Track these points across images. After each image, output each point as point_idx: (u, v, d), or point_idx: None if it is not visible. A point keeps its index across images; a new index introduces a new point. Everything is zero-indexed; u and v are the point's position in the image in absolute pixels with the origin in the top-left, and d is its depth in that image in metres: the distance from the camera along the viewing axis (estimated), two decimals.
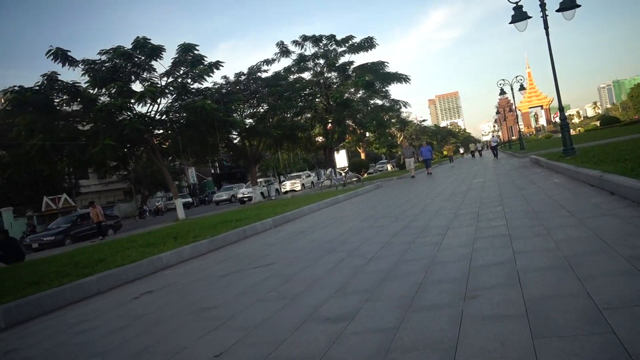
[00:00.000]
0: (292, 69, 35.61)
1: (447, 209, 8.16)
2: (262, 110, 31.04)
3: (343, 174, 30.60)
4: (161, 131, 23.97)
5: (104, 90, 20.70)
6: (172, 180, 24.56)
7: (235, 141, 30.80)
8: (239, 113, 29.68)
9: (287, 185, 47.78)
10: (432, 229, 6.30)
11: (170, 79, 21.79)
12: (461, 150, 62.95)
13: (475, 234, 5.32)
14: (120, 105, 19.39)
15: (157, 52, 21.51)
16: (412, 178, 22.18)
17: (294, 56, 35.24)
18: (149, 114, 22.44)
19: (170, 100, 22.86)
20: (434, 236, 5.72)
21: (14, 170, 22.72)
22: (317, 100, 36.61)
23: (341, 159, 60.84)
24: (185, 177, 72.07)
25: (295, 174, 51.84)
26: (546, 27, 13.51)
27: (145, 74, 22.07)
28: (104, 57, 20.72)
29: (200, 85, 22.47)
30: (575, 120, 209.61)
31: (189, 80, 21.91)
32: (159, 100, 22.44)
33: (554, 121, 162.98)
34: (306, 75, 36.25)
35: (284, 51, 35.10)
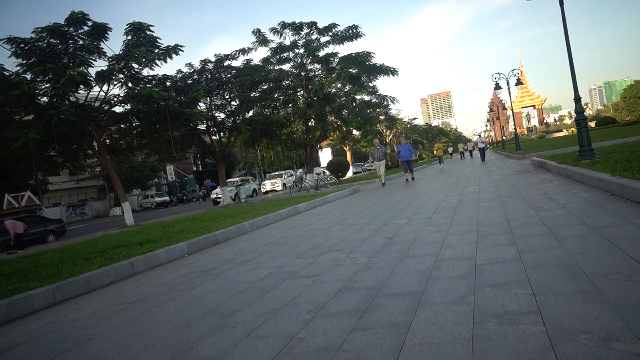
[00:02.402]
0: (271, 60, 32.65)
1: (424, 243, 5.25)
2: (234, 102, 28.04)
3: (316, 176, 27.72)
4: (109, 124, 20.82)
5: (41, 78, 17.61)
6: (119, 181, 21.47)
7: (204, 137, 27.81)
8: (207, 105, 26.65)
9: (268, 185, 44.97)
10: (387, 302, 3.36)
11: (119, 65, 18.67)
12: (450, 150, 60.10)
13: (473, 345, 2.38)
14: (45, 92, 16.35)
15: (100, 31, 18.42)
16: (382, 186, 17.72)
17: (273, 45, 32.29)
18: (90, 103, 19.35)
19: (116, 89, 19.77)
20: (385, 330, 2.77)
21: None
22: (298, 94, 33.74)
23: (326, 157, 57.96)
24: (164, 174, 68.77)
25: (276, 173, 48.87)
26: (563, 18, 10.68)
27: (92, 57, 19.00)
28: (35, 36, 17.61)
29: (152, 72, 19.32)
30: (567, 120, 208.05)
31: (136, 65, 18.80)
32: (105, 88, 19.37)
33: (545, 122, 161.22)
34: (287, 68, 33.36)
35: (262, 40, 32.15)
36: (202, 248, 7.96)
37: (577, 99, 11.16)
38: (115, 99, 19.08)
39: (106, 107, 19.30)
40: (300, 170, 34.20)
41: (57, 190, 57.85)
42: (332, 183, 22.25)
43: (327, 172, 32.21)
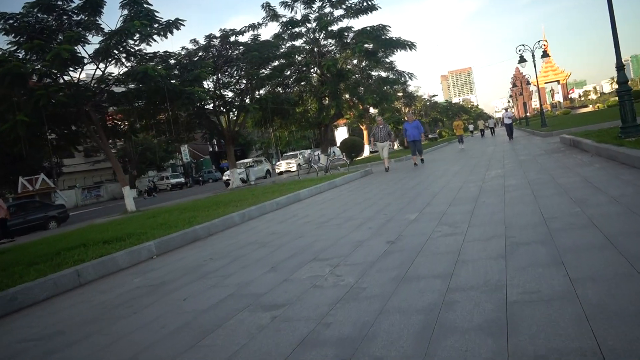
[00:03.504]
0: (282, 36, 31.14)
1: (434, 253, 3.96)
2: (243, 81, 26.71)
3: (325, 157, 26.35)
4: (107, 105, 19.70)
5: (31, 56, 16.51)
6: (119, 165, 20.49)
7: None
8: (214, 83, 25.39)
9: (282, 166, 43.77)
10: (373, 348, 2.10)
11: (112, 41, 17.43)
12: (470, 128, 57.75)
13: None
14: (36, 71, 15.25)
15: (93, 4, 17.19)
16: (386, 171, 15.24)
17: (284, 19, 30.74)
18: (85, 83, 18.22)
19: (115, 67, 18.60)
20: None
21: None
22: (311, 70, 32.29)
23: (342, 137, 56.36)
24: (179, 155, 68.05)
25: (291, 154, 47.61)
26: None
27: (89, 34, 17.84)
28: (24, 11, 16.46)
29: (151, 49, 17.97)
30: (592, 96, 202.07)
31: (132, 41, 17.53)
32: (102, 67, 18.20)
33: (570, 97, 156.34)
34: (299, 43, 31.84)
35: (272, 15, 30.62)
36: (177, 247, 6.78)
37: (620, 66, 9.59)
38: (110, 78, 17.87)
39: (103, 87, 18.13)
40: (309, 151, 32.81)
41: (72, 173, 57.58)
42: (343, 164, 20.88)
43: (336, 153, 30.72)
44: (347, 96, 32.90)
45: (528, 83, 62.98)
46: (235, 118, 27.02)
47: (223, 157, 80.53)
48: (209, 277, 4.51)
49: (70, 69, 16.73)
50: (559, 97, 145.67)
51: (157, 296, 4.13)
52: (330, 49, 32.76)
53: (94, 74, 18.37)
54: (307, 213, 8.20)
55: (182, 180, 59.58)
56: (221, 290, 3.93)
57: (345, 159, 20.68)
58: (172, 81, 18.39)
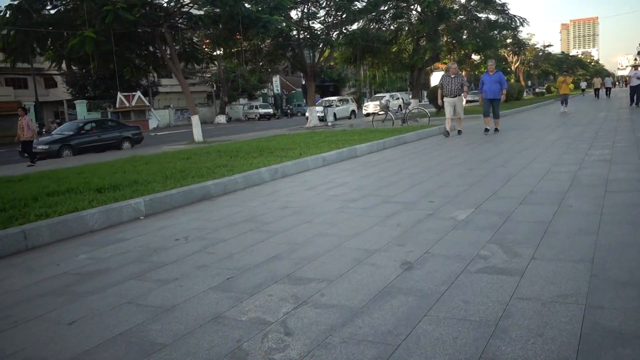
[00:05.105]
0: None
1: (452, 324, 2.41)
2: (332, 12, 24.77)
3: (416, 102, 24.15)
4: (184, 28, 18.81)
5: None
6: (189, 91, 19.77)
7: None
8: (301, 12, 23.72)
9: (370, 107, 41.81)
10: None
11: None
12: (583, 86, 51.57)
13: None
14: None
15: None
16: (446, 136, 12.13)
17: None
18: (158, 2, 17.32)
19: None
20: None
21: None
22: (411, 7, 29.55)
23: (437, 81, 52.81)
24: (271, 86, 67.63)
25: (381, 95, 45.38)
26: None
27: None
28: None
29: None
30: None
31: None
32: None
33: None
34: None
35: None
36: (177, 206, 5.64)
37: None
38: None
39: (179, 7, 17.13)
40: (387, 96, 30.59)
41: (168, 93, 59.07)
42: (422, 115, 18.76)
43: (411, 102, 28.18)
44: (446, 39, 30.05)
45: None
46: (318, 52, 25.37)
47: (316, 91, 79.57)
48: (146, 277, 3.28)
49: None
50: None
51: (59, 301, 2.96)
52: None
53: None
54: (345, 180, 6.72)
55: (271, 111, 59.31)
56: (128, 314, 2.67)
57: (424, 109, 18.40)
58: (248, 6, 16.98)
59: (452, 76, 12.44)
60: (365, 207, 4.89)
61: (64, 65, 18.46)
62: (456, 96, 12.35)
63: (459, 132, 12.64)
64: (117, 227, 4.85)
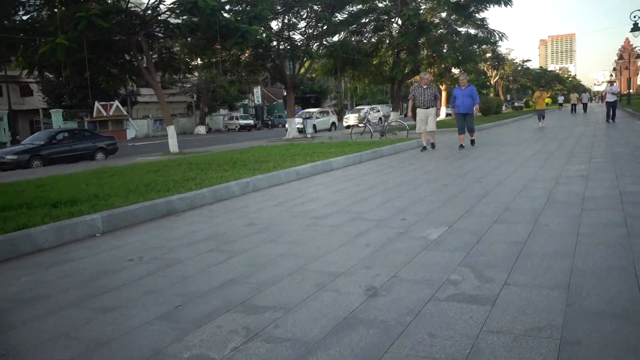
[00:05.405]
0: None
1: None
2: (313, 23, 24.68)
3: (396, 115, 24.11)
4: (160, 36, 18.49)
5: None
6: (165, 101, 19.45)
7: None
8: (282, 23, 23.59)
9: (350, 119, 41.76)
10: None
11: None
12: (560, 100, 52.23)
13: None
14: None
15: None
16: (422, 150, 11.82)
17: None
18: (136, 10, 17.01)
19: None
20: None
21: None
22: (392, 20, 29.67)
23: None
24: (252, 96, 67.30)
25: (360, 107, 45.41)
26: None
27: None
28: None
29: None
30: None
31: None
32: None
33: None
34: None
35: None
36: (138, 222, 5.34)
37: None
38: (161, 7, 16.50)
39: (155, 16, 16.81)
40: (366, 108, 30.57)
41: (147, 103, 58.31)
42: (401, 128, 18.65)
43: (391, 114, 28.22)
44: (426, 52, 30.25)
45: (638, 57, 56.15)
46: (298, 64, 25.25)
47: (297, 102, 79.35)
48: (88, 305, 2.99)
49: None
50: None
51: None
52: None
53: (148, 2, 17.14)
54: (318, 195, 6.49)
55: (251, 122, 58.93)
56: (57, 350, 2.39)
57: (403, 123, 18.24)
58: (227, 16, 16.78)
59: (424, 87, 11.93)
60: (334, 225, 4.66)
61: (38, 73, 18.00)
62: (428, 108, 11.87)
63: (433, 145, 12.24)
64: (70, 246, 4.54)
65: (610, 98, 20.85)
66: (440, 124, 22.11)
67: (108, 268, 3.74)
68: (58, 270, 3.79)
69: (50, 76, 25.53)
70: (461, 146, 11.74)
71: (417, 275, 3.10)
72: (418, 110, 12.05)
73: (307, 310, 2.68)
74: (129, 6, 16.38)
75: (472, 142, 12.20)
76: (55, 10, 14.75)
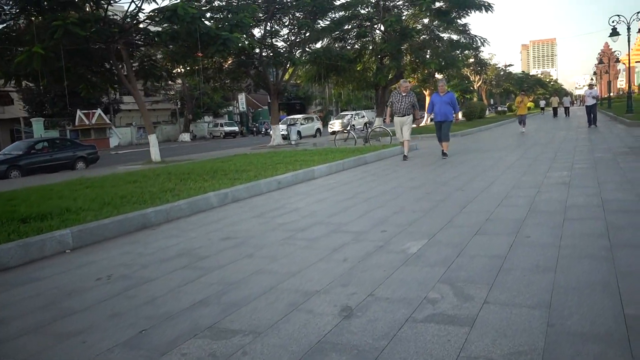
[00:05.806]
0: None
1: None
2: (295, 30, 24.61)
3: (381, 120, 24.06)
4: (140, 44, 18.27)
5: None
6: (146, 109, 19.25)
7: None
8: (264, 30, 23.48)
9: (336, 125, 41.74)
10: None
11: None
12: (542, 104, 52.80)
13: None
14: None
15: None
16: (403, 160, 11.22)
17: None
18: (114, 18, 16.80)
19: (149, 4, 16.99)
20: None
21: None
22: (375, 26, 29.72)
23: None
24: (236, 103, 67.04)
25: (345, 113, 45.44)
26: None
27: None
28: None
29: None
30: None
31: None
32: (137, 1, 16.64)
33: None
34: None
35: None
36: (109, 237, 5.16)
37: None
38: (140, 15, 16.30)
39: (134, 24, 16.58)
40: (349, 114, 30.60)
41: (130, 110, 57.73)
42: (385, 134, 18.54)
43: (375, 120, 28.24)
44: (409, 58, 30.32)
45: (617, 60, 56.94)
46: (282, 71, 25.15)
47: (282, 108, 79.13)
48: (48, 330, 2.82)
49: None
50: None
51: None
52: (397, 3, 30.05)
53: (128, 9, 16.92)
54: (298, 206, 6.36)
55: (236, 129, 58.69)
56: None
57: (387, 130, 18.08)
58: (207, 23, 16.63)
59: (403, 94, 11.63)
60: (312, 238, 4.53)
61: (15, 82, 17.67)
62: (405, 115, 11.56)
63: (404, 157, 11.48)
64: (37, 264, 4.35)
65: (589, 102, 21.01)
66: (423, 130, 22.10)
67: (74, 288, 3.58)
68: (21, 290, 3.61)
69: (31, 85, 25.12)
70: (443, 153, 11.39)
71: (395, 294, 2.99)
72: (395, 117, 11.77)
73: (278, 334, 2.55)
74: (107, 14, 16.15)
75: (444, 153, 11.35)
76: (32, 19, 14.42)
